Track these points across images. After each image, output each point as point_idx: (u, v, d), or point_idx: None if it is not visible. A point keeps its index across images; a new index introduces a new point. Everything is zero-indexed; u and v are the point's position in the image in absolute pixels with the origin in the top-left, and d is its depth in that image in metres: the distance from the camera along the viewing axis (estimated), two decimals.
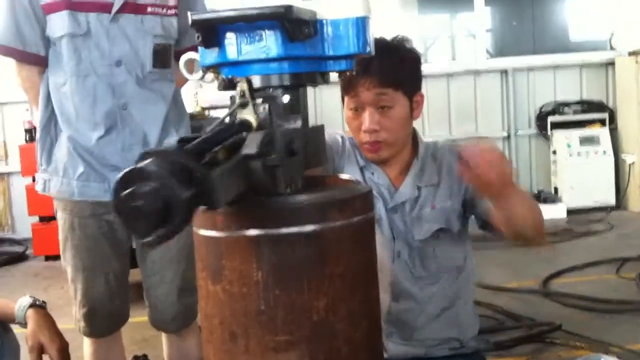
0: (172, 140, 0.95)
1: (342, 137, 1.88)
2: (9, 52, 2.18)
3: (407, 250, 1.80)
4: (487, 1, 6.78)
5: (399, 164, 1.82)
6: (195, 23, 1.07)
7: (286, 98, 1.12)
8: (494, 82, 6.67)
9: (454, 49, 9.55)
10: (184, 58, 1.23)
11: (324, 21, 1.10)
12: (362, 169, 1.83)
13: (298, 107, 1.16)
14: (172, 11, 2.18)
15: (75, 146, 2.16)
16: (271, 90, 1.11)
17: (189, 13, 1.10)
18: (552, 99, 6.70)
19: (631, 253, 4.59)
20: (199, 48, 1.15)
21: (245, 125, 1.07)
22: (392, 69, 1.69)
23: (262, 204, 1.07)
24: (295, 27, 1.06)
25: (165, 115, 2.20)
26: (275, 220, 1.06)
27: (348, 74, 1.18)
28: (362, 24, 1.11)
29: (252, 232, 1.06)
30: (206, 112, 4.55)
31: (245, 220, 1.07)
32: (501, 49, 8.07)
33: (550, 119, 6.55)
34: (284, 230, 1.05)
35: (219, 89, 1.20)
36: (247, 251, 1.06)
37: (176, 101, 2.28)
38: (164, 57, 2.20)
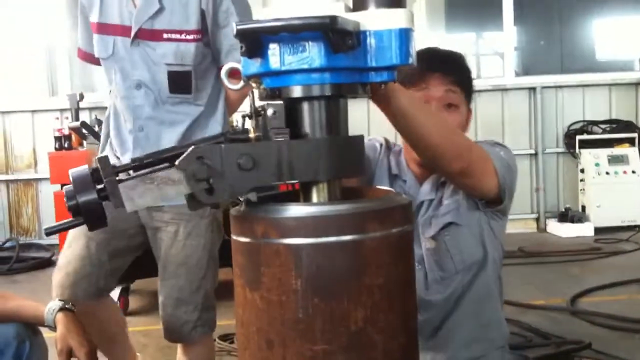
0: None
1: (380, 145, 1.88)
2: (87, 57, 2.31)
3: (418, 254, 1.77)
4: (515, 20, 6.77)
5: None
6: (239, 33, 1.07)
7: (270, 111, 1.13)
8: (522, 100, 6.63)
9: (479, 67, 9.55)
10: (226, 67, 1.24)
11: (368, 32, 1.11)
12: (394, 178, 1.83)
13: (338, 118, 1.17)
14: (192, 36, 2.15)
15: (112, 152, 2.27)
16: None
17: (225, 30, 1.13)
18: (580, 118, 6.64)
19: None
20: (242, 58, 1.16)
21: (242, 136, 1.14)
22: (461, 69, 1.70)
23: (302, 212, 1.08)
24: (339, 38, 1.06)
25: (180, 136, 2.20)
26: (316, 229, 1.06)
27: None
28: (405, 35, 1.11)
29: (292, 240, 1.06)
30: (235, 123, 4.57)
31: (285, 228, 1.07)
32: (528, 68, 8.02)
33: (578, 137, 6.49)
34: (324, 240, 1.06)
35: (260, 99, 1.21)
36: (286, 259, 1.06)
37: (201, 121, 2.25)
38: (182, 83, 2.19)
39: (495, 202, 1.69)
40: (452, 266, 1.76)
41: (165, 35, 2.15)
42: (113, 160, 2.26)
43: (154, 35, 2.15)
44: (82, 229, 2.23)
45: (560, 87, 6.67)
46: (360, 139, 1.19)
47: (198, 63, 2.20)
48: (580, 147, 6.46)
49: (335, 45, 1.07)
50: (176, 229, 2.24)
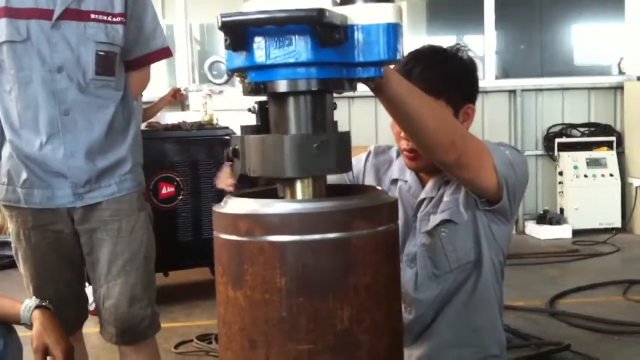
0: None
1: (367, 154, 1.86)
2: None
3: (412, 252, 1.76)
4: (496, 24, 6.80)
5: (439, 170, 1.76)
6: (224, 25, 1.05)
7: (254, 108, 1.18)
8: (502, 103, 6.67)
9: None
10: (208, 61, 1.21)
11: (355, 27, 1.09)
12: (393, 182, 1.82)
13: (324, 113, 1.15)
14: (118, 19, 2.15)
15: (19, 153, 2.14)
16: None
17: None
18: (559, 121, 6.69)
19: (638, 275, 4.56)
20: (226, 51, 1.13)
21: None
22: (435, 77, 1.65)
23: (287, 209, 1.05)
24: (326, 32, 1.04)
25: (109, 121, 2.16)
26: (301, 227, 1.04)
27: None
28: (393, 30, 1.09)
29: (277, 237, 1.04)
30: (215, 121, 4.54)
31: (269, 225, 1.05)
32: (508, 72, 8.07)
33: (557, 140, 6.54)
34: (309, 237, 1.04)
35: (244, 94, 1.18)
36: (270, 257, 1.04)
37: (123, 108, 2.23)
38: (108, 64, 2.16)
39: (496, 202, 1.66)
40: (446, 264, 1.74)
41: (93, 16, 2.12)
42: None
43: (82, 16, 2.10)
44: (42, 269, 2.17)
45: (540, 90, 6.71)
46: (347, 135, 1.17)
47: (122, 46, 2.19)
48: (559, 150, 6.50)
49: (323, 39, 1.05)
50: (118, 226, 2.19)
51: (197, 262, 4.14)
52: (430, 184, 1.79)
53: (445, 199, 1.73)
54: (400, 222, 1.78)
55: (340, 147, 1.13)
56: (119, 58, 2.20)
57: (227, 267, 1.10)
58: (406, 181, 1.82)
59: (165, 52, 2.39)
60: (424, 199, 1.78)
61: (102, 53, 2.13)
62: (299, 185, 1.13)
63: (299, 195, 1.12)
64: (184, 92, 4.17)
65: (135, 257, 2.21)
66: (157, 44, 2.33)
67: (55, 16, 2.07)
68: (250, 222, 1.05)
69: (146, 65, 2.37)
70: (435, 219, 1.74)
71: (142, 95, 2.87)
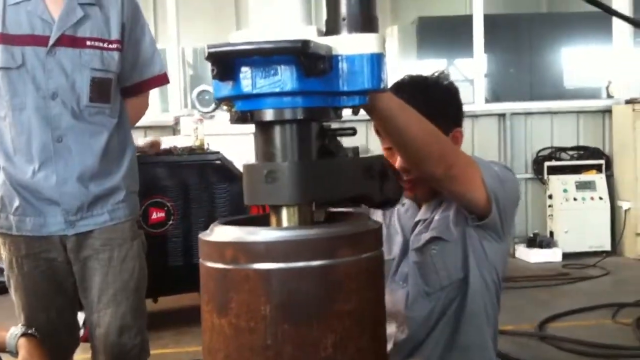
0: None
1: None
2: None
3: (404, 272, 1.77)
4: (485, 48, 6.88)
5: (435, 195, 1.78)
6: (211, 56, 1.07)
7: None
8: (491, 126, 6.71)
9: None
10: (196, 90, 1.23)
11: (340, 57, 1.11)
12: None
13: (309, 140, 1.16)
14: (114, 45, 2.16)
15: (11, 180, 2.14)
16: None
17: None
18: (549, 144, 6.74)
19: (627, 299, 4.57)
20: (213, 81, 1.15)
21: None
22: (419, 105, 1.66)
23: (272, 236, 1.06)
24: (311, 62, 1.06)
25: (102, 148, 2.16)
26: (286, 254, 1.05)
27: None
28: (377, 60, 1.11)
29: (261, 265, 1.05)
30: (205, 146, 4.55)
31: (254, 252, 1.06)
32: (498, 95, 8.14)
33: (547, 163, 6.58)
34: (294, 265, 1.04)
35: (231, 122, 1.20)
36: (255, 284, 1.05)
37: (118, 135, 2.22)
38: (103, 91, 2.16)
39: (486, 217, 1.68)
40: (437, 281, 1.75)
41: (88, 43, 2.12)
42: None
43: (77, 42, 2.11)
44: (33, 298, 2.18)
45: (529, 113, 6.77)
46: (337, 161, 1.18)
47: (118, 72, 2.20)
48: (548, 173, 6.55)
49: (308, 69, 1.06)
50: (110, 255, 2.18)
51: (188, 287, 4.13)
52: (424, 207, 1.81)
53: (436, 217, 1.76)
54: (399, 245, 1.82)
55: (300, 176, 1.10)
56: (115, 84, 2.21)
57: (213, 295, 1.10)
58: (404, 204, 1.84)
59: (163, 79, 2.40)
60: (418, 221, 1.80)
61: (97, 79, 2.13)
62: (284, 212, 1.14)
63: (285, 223, 1.13)
64: (161, 146, 4.18)
65: (126, 286, 2.21)
66: (155, 70, 2.34)
67: (50, 43, 2.08)
68: (236, 249, 1.06)
69: (145, 91, 2.38)
70: (425, 236, 1.76)
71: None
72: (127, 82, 2.28)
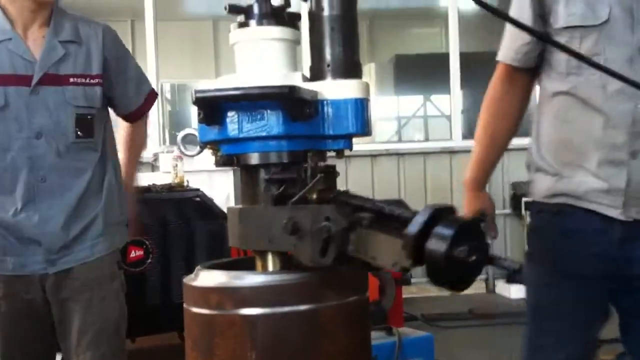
0: None
1: None
2: None
3: None
4: (462, 84, 6.98)
5: None
6: (198, 100, 1.07)
7: None
8: (469, 162, 6.77)
9: (428, 130, 9.79)
10: (181, 134, 1.23)
11: (325, 101, 1.12)
12: None
13: (299, 182, 1.16)
14: (96, 80, 2.16)
15: None
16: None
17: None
18: (526, 179, 6.81)
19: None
20: (198, 125, 1.16)
21: None
22: None
23: (257, 281, 1.06)
24: (297, 107, 1.07)
25: (85, 186, 2.14)
26: (271, 299, 1.04)
27: None
28: (361, 105, 1.13)
29: (247, 310, 1.04)
30: (185, 183, 4.54)
31: (240, 298, 1.05)
32: (474, 131, 8.27)
33: (524, 199, 6.65)
34: (280, 310, 1.04)
35: (216, 165, 1.20)
36: (241, 330, 1.04)
37: (100, 170, 2.20)
38: (87, 126, 2.15)
39: None
40: None
41: (71, 80, 2.12)
42: None
43: (60, 80, 2.11)
44: (12, 340, 2.12)
45: (506, 150, 6.83)
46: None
47: (101, 107, 2.19)
48: (526, 209, 6.61)
49: (294, 114, 1.08)
50: (89, 296, 2.14)
51: (166, 327, 4.07)
52: None
53: None
54: None
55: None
56: (97, 118, 2.20)
57: (198, 341, 1.09)
58: None
59: (154, 95, 2.43)
60: None
61: (81, 116, 2.13)
62: (269, 257, 1.14)
63: (270, 267, 1.13)
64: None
65: (105, 328, 2.17)
66: (146, 88, 2.37)
67: (34, 82, 2.07)
68: (221, 294, 1.06)
69: (145, 112, 2.40)
70: None
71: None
72: (125, 110, 2.30)
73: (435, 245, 0.91)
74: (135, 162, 2.48)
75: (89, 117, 2.15)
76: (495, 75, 1.89)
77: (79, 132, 2.13)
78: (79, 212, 2.14)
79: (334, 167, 1.18)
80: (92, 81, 2.16)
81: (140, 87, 2.35)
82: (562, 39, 1.64)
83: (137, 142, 2.44)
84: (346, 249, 1.02)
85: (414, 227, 0.93)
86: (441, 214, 0.95)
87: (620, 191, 1.62)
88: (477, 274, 0.97)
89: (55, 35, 2.11)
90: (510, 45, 1.80)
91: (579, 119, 1.68)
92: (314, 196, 1.09)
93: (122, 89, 2.27)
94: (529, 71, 1.82)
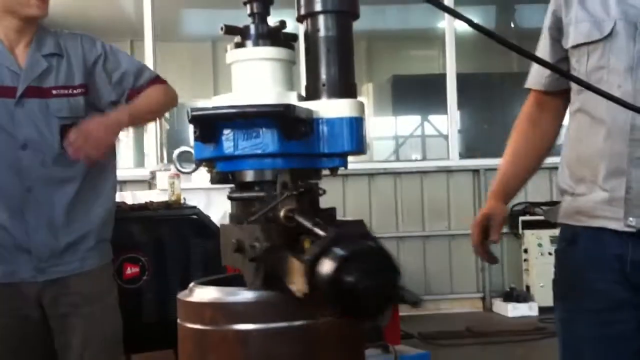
0: None
1: None
2: None
3: None
4: (459, 104, 7.02)
5: None
6: (194, 119, 1.09)
7: None
8: (466, 181, 6.80)
9: (425, 149, 9.83)
10: (177, 151, 1.25)
11: (320, 120, 1.14)
12: None
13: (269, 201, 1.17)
14: (78, 91, 2.17)
15: None
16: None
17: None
18: (523, 199, 6.83)
19: None
20: (194, 142, 1.17)
21: None
22: None
23: (251, 297, 1.07)
24: (293, 126, 1.09)
25: (73, 196, 2.15)
26: (264, 315, 1.05)
27: None
28: (356, 123, 1.15)
29: (241, 326, 1.05)
30: (182, 200, 4.54)
31: (233, 313, 1.06)
32: (472, 150, 8.27)
33: (521, 218, 6.66)
34: (273, 325, 1.05)
35: (212, 183, 1.22)
36: (234, 345, 1.05)
37: (88, 183, 2.20)
38: None
39: None
40: None
41: (54, 92, 2.14)
42: None
43: (44, 93, 2.13)
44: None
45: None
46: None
47: (85, 116, 2.18)
48: (523, 228, 6.61)
49: (289, 132, 1.09)
50: (90, 310, 2.16)
51: (162, 344, 4.05)
52: None
53: None
54: None
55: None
56: None
57: (191, 356, 1.10)
58: None
59: (161, 79, 2.33)
60: None
61: (65, 127, 2.12)
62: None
63: None
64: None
65: (108, 340, 2.19)
66: (148, 76, 2.29)
67: (18, 94, 2.09)
68: (214, 310, 1.06)
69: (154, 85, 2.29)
70: None
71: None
72: (124, 92, 2.23)
73: (322, 268, 0.90)
74: (143, 105, 2.27)
75: (74, 127, 2.13)
76: (527, 104, 1.94)
77: (63, 142, 2.12)
78: (68, 222, 2.15)
79: (316, 185, 1.18)
80: (75, 92, 2.17)
81: (142, 75, 2.27)
82: (573, 57, 1.68)
83: (152, 93, 2.28)
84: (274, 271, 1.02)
85: (311, 252, 0.93)
86: (343, 237, 0.93)
87: (620, 200, 1.62)
88: (385, 305, 0.92)
89: (38, 49, 2.15)
90: (539, 71, 1.83)
91: (588, 133, 1.70)
92: (281, 214, 1.08)
93: (119, 77, 2.23)
94: (560, 95, 1.85)
